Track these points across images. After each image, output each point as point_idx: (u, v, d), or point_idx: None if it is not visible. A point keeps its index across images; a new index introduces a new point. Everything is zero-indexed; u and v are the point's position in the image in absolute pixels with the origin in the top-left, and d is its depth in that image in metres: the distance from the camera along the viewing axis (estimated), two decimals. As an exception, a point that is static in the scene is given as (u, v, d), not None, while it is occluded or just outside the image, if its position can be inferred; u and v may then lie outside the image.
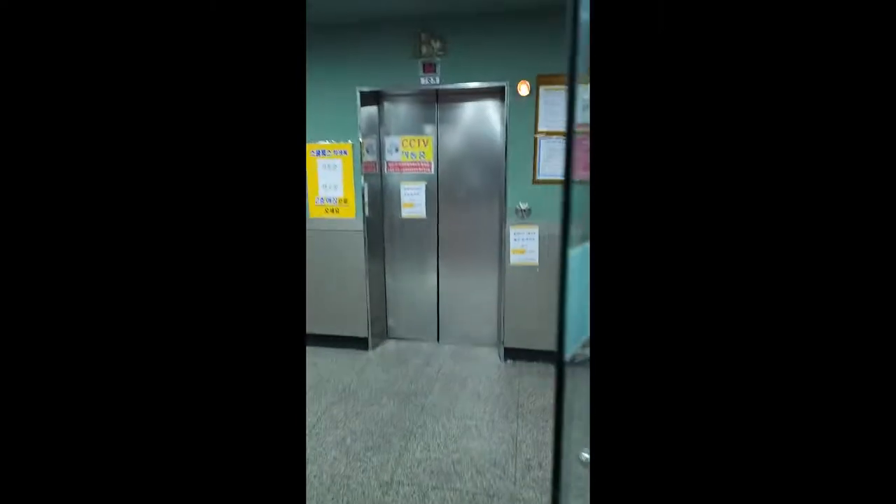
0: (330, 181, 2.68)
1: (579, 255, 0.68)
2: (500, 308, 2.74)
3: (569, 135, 0.64)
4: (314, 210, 2.74)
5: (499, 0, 2.17)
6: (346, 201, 2.69)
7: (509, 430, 2.04)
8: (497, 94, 2.54)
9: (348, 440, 1.97)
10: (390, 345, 2.98)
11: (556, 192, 2.85)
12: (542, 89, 2.37)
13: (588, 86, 0.59)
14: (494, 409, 2.21)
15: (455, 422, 2.11)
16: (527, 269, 2.57)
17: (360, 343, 2.88)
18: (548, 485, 1.70)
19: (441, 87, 2.48)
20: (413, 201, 2.80)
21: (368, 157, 2.68)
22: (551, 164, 2.45)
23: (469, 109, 2.65)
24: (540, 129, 2.41)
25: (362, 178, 2.64)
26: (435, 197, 2.79)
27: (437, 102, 2.67)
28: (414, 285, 2.95)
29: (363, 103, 2.58)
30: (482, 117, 2.65)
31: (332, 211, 2.72)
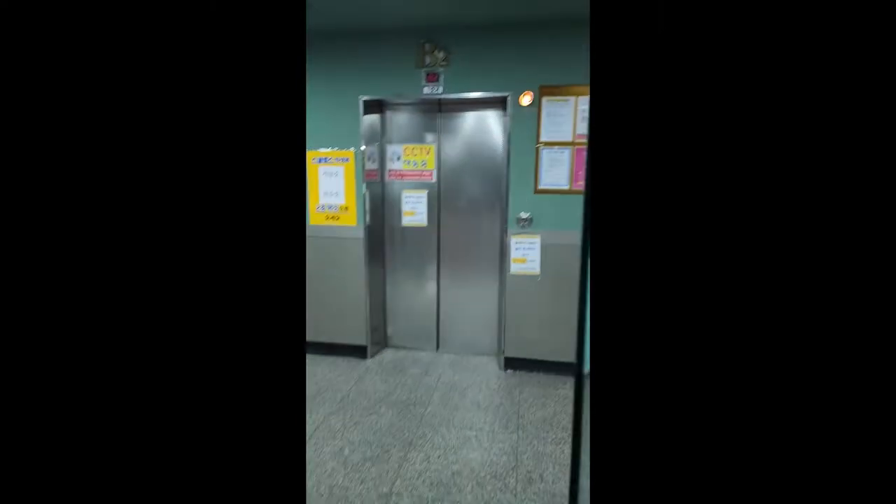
0: (331, 188, 2.68)
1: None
2: (500, 317, 2.73)
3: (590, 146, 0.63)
4: (315, 217, 2.73)
5: (502, 12, 2.19)
6: (347, 209, 2.68)
7: (509, 441, 2.02)
8: (499, 104, 2.56)
9: (346, 451, 1.94)
10: (389, 353, 2.95)
11: (558, 202, 2.84)
12: (544, 100, 2.39)
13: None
14: (494, 420, 2.19)
15: (455, 432, 2.08)
16: (528, 279, 2.57)
17: (358, 351, 2.85)
18: (549, 498, 1.68)
19: (444, 96, 2.49)
20: (414, 209, 2.79)
21: (370, 165, 2.68)
22: (553, 173, 2.46)
23: (471, 119, 2.67)
24: (542, 139, 2.43)
25: (364, 185, 2.64)
26: (436, 205, 2.79)
27: (439, 112, 2.68)
28: (414, 293, 2.94)
29: (366, 111, 2.58)
30: (484, 127, 2.66)
31: (333, 218, 2.71)
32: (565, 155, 2.42)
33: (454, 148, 2.71)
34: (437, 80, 2.47)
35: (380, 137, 2.76)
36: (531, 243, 2.53)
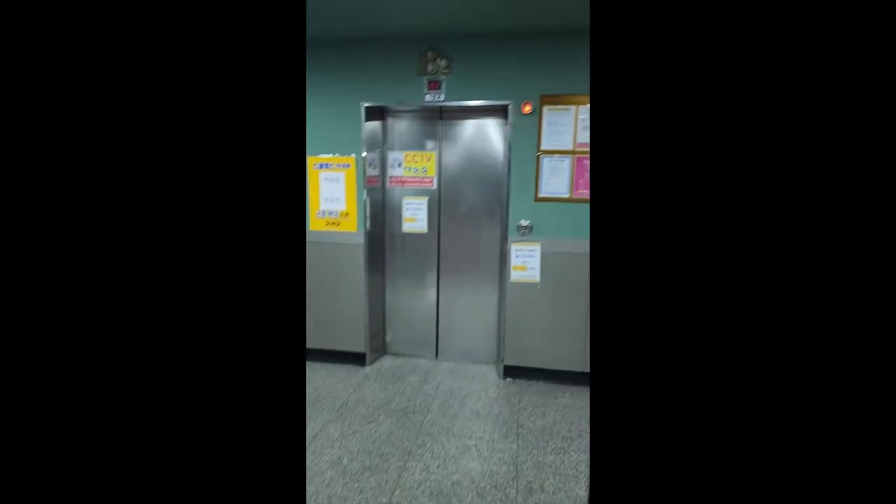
0: (332, 194, 2.67)
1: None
2: (500, 325, 2.72)
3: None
4: (315, 222, 2.72)
5: (503, 21, 2.21)
6: (347, 214, 2.68)
7: (509, 450, 2.00)
8: (500, 112, 2.57)
9: (345, 460, 1.92)
10: (388, 361, 2.93)
11: (558, 210, 2.84)
12: (545, 109, 2.40)
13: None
14: (494, 429, 2.17)
15: (454, 441, 2.07)
16: (528, 287, 2.56)
17: (356, 358, 2.83)
18: (550, 509, 1.66)
19: (445, 104, 2.50)
20: (415, 216, 2.79)
21: (371, 171, 2.69)
22: (553, 182, 2.46)
23: (472, 126, 2.68)
24: (543, 147, 2.44)
25: (364, 191, 2.64)
26: (436, 212, 2.79)
27: (440, 119, 2.69)
28: (413, 300, 2.93)
29: (367, 118, 2.59)
30: (485, 135, 2.67)
31: (334, 224, 2.71)
32: (566, 163, 2.43)
33: (455, 155, 2.72)
34: (439, 88, 2.48)
35: (381, 144, 2.76)
36: (531, 251, 2.53)
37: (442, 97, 2.48)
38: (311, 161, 2.65)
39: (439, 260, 2.84)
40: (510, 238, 2.53)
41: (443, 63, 2.44)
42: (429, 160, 2.74)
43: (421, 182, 2.77)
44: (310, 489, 1.75)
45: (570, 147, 2.41)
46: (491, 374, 2.75)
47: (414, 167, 2.76)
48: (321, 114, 2.57)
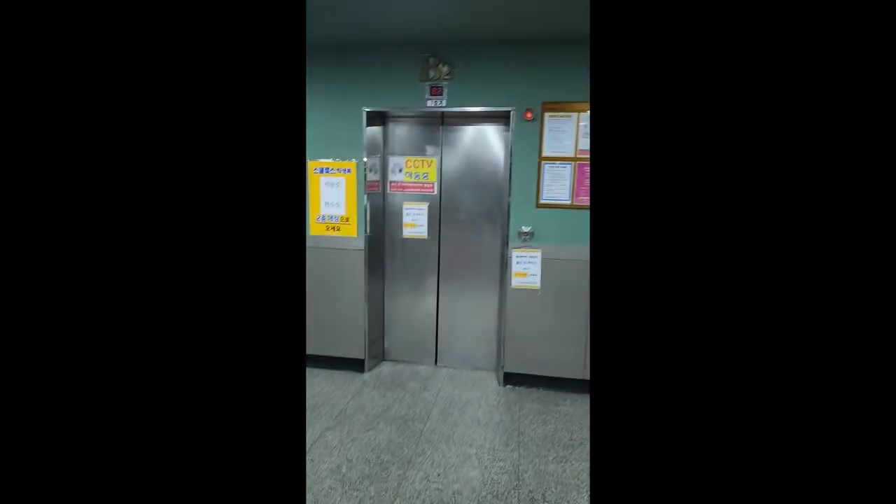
0: (332, 199, 2.66)
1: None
2: (500, 332, 2.71)
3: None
4: (315, 227, 2.71)
5: (506, 28, 2.22)
6: (347, 219, 2.67)
7: (510, 458, 1.98)
8: (502, 118, 2.57)
9: (344, 468, 1.90)
10: (387, 367, 2.91)
11: (559, 217, 2.84)
12: (546, 116, 2.41)
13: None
14: (495, 437, 2.15)
15: (454, 449, 2.04)
16: (528, 293, 2.55)
17: (355, 365, 2.80)
18: (552, 519, 1.64)
19: (447, 109, 2.51)
20: (415, 221, 2.79)
21: (372, 177, 2.68)
22: (554, 188, 2.46)
23: (473, 132, 2.68)
24: (544, 154, 2.44)
25: (365, 196, 2.63)
26: (437, 218, 2.78)
27: (441, 125, 2.69)
28: (413, 306, 2.91)
29: (369, 123, 2.59)
30: (486, 141, 2.67)
31: (334, 229, 2.69)
32: (567, 170, 2.43)
33: (456, 161, 2.72)
34: (441, 94, 2.48)
35: (382, 149, 2.76)
36: (532, 257, 2.52)
37: (444, 103, 2.49)
38: (312, 165, 2.64)
39: (439, 266, 2.83)
40: (511, 244, 2.52)
41: (445, 69, 2.44)
42: (430, 165, 2.73)
43: (422, 187, 2.76)
44: (309, 498, 1.72)
45: (571, 154, 2.42)
46: (491, 381, 2.73)
47: (415, 172, 2.75)
48: (322, 118, 2.57)
